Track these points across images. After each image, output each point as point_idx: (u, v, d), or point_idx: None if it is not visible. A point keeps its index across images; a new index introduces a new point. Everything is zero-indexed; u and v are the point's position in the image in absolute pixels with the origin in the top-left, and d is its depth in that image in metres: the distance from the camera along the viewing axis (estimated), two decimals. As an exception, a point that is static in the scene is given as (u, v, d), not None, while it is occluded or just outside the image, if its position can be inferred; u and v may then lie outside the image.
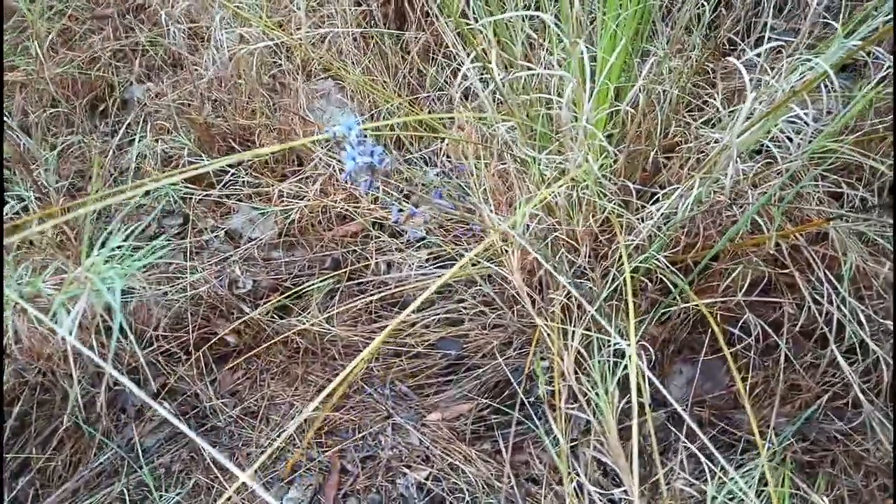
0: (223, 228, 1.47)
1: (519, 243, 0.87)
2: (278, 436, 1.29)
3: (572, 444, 1.19)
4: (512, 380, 1.24)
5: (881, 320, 0.93)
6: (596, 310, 0.86)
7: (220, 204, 1.52)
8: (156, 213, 1.53)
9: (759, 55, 0.84)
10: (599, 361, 0.79)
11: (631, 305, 0.76)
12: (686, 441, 1.02)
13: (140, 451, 1.29)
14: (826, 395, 1.11)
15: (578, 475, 1.12)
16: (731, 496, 1.00)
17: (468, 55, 0.78)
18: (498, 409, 1.27)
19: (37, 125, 1.72)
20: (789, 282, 1.04)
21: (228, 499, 1.11)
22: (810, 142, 0.71)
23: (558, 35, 0.86)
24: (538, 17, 0.76)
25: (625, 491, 0.78)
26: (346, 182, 0.88)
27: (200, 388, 1.37)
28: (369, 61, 1.44)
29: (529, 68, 0.83)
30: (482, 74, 0.88)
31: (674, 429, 1.17)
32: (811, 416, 1.11)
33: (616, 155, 0.83)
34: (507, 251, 0.93)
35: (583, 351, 0.86)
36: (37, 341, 1.04)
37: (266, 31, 1.15)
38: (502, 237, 0.91)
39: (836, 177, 0.96)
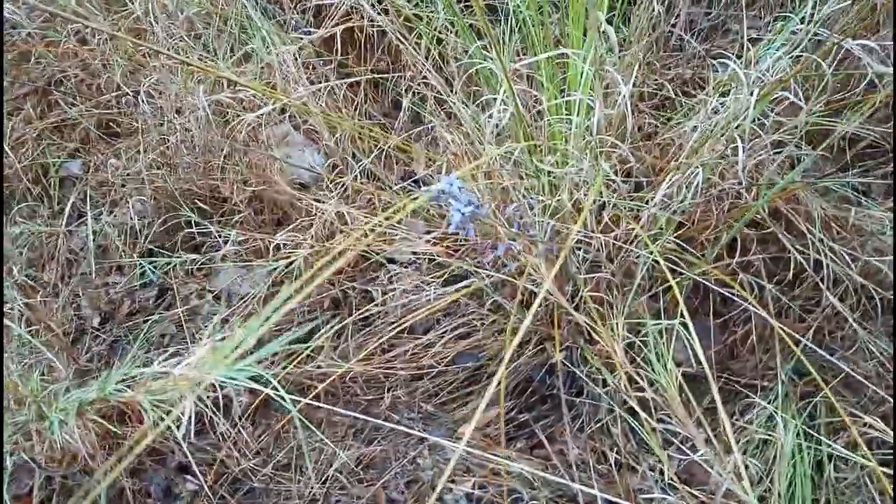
0: (211, 291, 1.45)
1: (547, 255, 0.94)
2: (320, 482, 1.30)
3: (598, 423, 1.29)
4: (533, 378, 1.32)
5: (862, 256, 1.07)
6: (631, 301, 0.95)
7: (199, 267, 1.50)
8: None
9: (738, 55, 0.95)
10: (652, 345, 0.87)
11: (674, 284, 0.85)
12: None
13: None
14: (810, 330, 1.25)
15: (615, 450, 1.22)
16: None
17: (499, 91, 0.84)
18: (524, 407, 1.34)
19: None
20: (761, 238, 1.18)
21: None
22: (806, 121, 0.83)
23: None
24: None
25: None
26: (454, 233, 0.92)
27: (225, 454, 1.35)
28: (324, 98, 1.47)
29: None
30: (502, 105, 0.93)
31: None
32: (803, 351, 1.25)
33: (625, 153, 0.92)
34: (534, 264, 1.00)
35: (630, 337, 0.95)
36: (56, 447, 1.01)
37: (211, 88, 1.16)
38: (529, 252, 0.97)
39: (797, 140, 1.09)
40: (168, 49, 1.12)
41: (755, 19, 1.35)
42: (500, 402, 1.03)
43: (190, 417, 0.70)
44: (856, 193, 1.07)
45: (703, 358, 0.77)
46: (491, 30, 0.76)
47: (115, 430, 0.84)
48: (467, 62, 0.97)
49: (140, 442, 0.65)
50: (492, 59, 0.80)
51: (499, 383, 1.35)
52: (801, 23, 0.85)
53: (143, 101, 1.15)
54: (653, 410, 0.93)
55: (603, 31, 0.71)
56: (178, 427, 0.70)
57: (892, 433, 0.74)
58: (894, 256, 0.98)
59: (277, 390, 1.38)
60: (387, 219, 0.95)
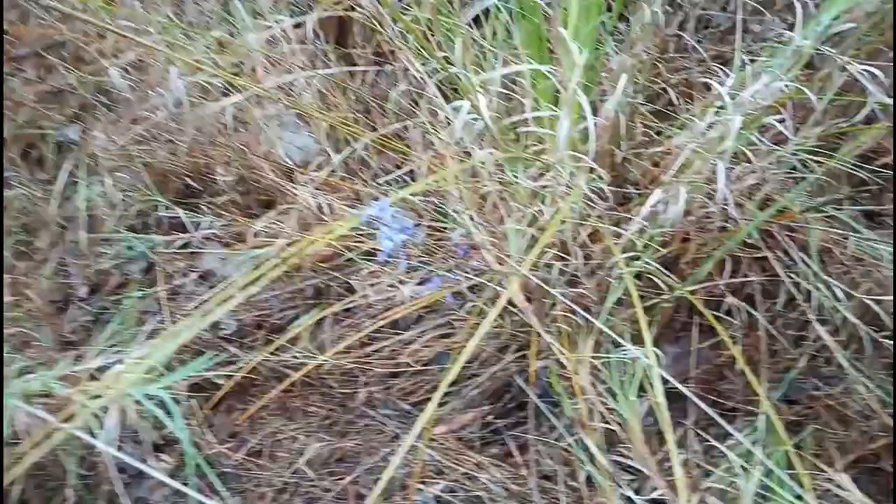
0: (196, 271, 1.44)
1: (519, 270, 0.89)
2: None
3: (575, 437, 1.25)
4: (511, 384, 1.28)
5: (847, 289, 1.01)
6: (602, 320, 0.90)
7: (185, 245, 1.48)
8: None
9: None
10: (617, 371, 0.83)
11: (641, 313, 0.81)
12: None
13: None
14: (802, 357, 1.19)
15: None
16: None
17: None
18: (501, 413, 1.31)
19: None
20: (761, 265, 1.12)
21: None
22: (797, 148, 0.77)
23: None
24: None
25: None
26: (384, 262, 0.88)
27: (198, 436, 1.35)
28: (318, 82, 1.42)
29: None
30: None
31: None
32: (792, 379, 1.20)
33: (600, 170, 0.86)
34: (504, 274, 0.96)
35: (594, 361, 0.90)
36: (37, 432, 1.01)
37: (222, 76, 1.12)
38: (501, 264, 0.93)
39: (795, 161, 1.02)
40: (147, 24, 1.08)
41: (776, 21, 1.26)
42: (432, 407, 1.00)
43: (114, 426, 0.69)
44: (859, 220, 1.00)
45: (658, 389, 0.72)
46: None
47: (51, 421, 0.82)
48: (440, 66, 0.92)
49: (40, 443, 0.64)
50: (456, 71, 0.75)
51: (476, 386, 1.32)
52: (805, 39, 0.78)
53: (118, 76, 1.11)
54: (616, 440, 0.89)
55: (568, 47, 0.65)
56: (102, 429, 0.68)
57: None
58: (894, 268, 0.91)
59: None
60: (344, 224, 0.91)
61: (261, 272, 0.66)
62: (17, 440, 1.17)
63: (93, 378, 0.79)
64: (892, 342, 0.93)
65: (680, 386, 0.72)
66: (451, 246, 0.77)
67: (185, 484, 1.29)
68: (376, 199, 1.25)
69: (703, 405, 0.77)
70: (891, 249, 0.92)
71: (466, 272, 0.95)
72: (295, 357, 1.33)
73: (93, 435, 0.71)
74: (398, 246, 0.60)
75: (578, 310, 0.93)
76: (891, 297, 0.91)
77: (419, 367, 1.33)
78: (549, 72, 0.72)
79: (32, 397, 0.86)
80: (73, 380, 0.97)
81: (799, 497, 0.79)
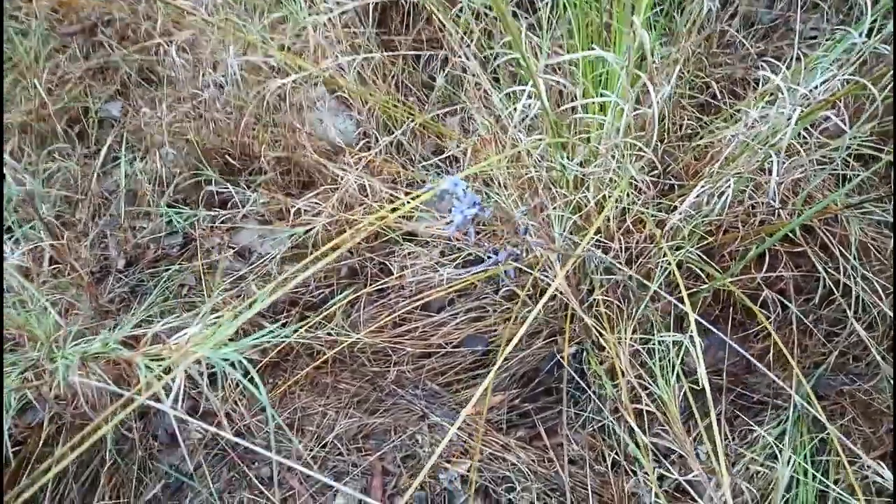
0: (232, 247, 1.47)
1: (562, 256, 0.91)
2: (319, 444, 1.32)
3: (600, 422, 1.27)
4: (540, 368, 1.30)
5: (886, 284, 1.02)
6: (643, 308, 0.92)
7: (223, 222, 1.51)
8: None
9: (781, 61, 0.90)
10: (658, 356, 0.85)
11: (687, 299, 0.82)
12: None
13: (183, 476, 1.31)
14: (833, 354, 1.21)
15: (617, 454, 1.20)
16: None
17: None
18: (528, 397, 1.33)
19: (12, 154, 1.66)
20: (796, 261, 1.13)
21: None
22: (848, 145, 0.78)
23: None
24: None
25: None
26: (453, 235, 0.90)
27: (231, 408, 1.38)
28: (360, 66, 1.44)
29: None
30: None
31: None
32: (822, 375, 1.21)
33: (652, 160, 0.88)
34: (545, 259, 0.98)
35: (635, 346, 0.92)
36: (91, 398, 1.04)
37: (279, 58, 1.14)
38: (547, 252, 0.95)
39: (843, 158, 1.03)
40: (202, 5, 1.11)
41: (820, 20, 1.27)
42: (488, 390, 1.02)
43: (179, 389, 0.71)
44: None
45: (703, 375, 0.74)
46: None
47: (111, 386, 0.85)
48: (500, 52, 0.94)
49: (126, 406, 0.66)
50: (521, 55, 0.76)
51: (505, 370, 1.34)
52: (862, 36, 0.79)
53: (175, 55, 1.14)
54: (651, 422, 0.91)
55: (636, 34, 0.67)
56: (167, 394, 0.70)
57: (892, 478, 0.71)
58: (894, 248, 0.92)
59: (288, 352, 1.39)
60: (393, 210, 0.94)
61: (336, 243, 0.68)
62: (62, 400, 1.22)
63: (154, 342, 0.82)
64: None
65: (755, 358, 0.73)
66: (515, 221, 0.78)
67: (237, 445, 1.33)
68: (422, 181, 1.27)
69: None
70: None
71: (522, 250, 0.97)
72: (329, 334, 1.35)
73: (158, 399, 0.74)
74: (467, 221, 0.62)
75: (619, 294, 0.95)
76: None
77: (450, 350, 1.35)
78: (613, 60, 0.74)
79: (89, 360, 0.89)
80: (126, 345, 1.00)
81: (830, 483, 0.81)
